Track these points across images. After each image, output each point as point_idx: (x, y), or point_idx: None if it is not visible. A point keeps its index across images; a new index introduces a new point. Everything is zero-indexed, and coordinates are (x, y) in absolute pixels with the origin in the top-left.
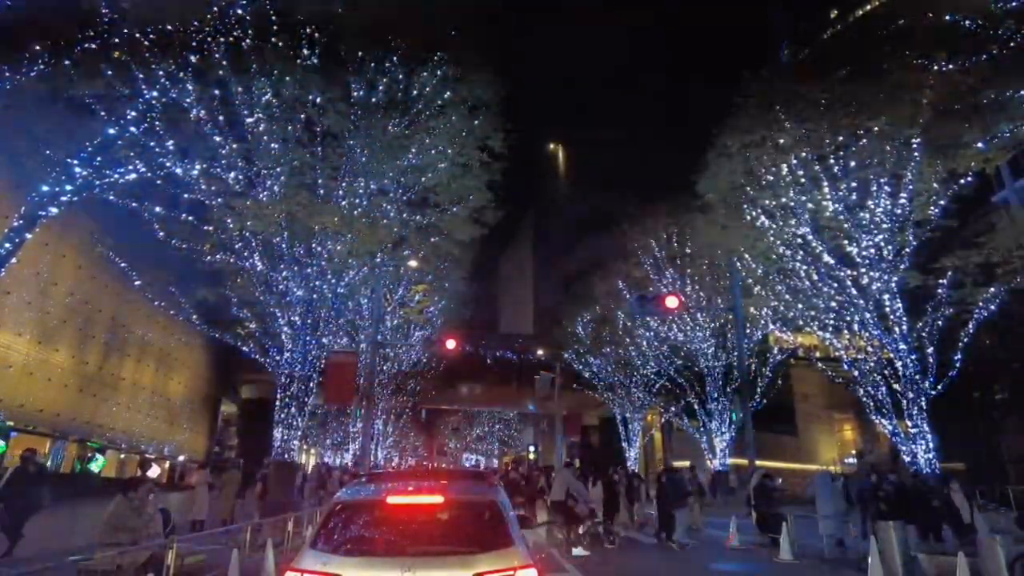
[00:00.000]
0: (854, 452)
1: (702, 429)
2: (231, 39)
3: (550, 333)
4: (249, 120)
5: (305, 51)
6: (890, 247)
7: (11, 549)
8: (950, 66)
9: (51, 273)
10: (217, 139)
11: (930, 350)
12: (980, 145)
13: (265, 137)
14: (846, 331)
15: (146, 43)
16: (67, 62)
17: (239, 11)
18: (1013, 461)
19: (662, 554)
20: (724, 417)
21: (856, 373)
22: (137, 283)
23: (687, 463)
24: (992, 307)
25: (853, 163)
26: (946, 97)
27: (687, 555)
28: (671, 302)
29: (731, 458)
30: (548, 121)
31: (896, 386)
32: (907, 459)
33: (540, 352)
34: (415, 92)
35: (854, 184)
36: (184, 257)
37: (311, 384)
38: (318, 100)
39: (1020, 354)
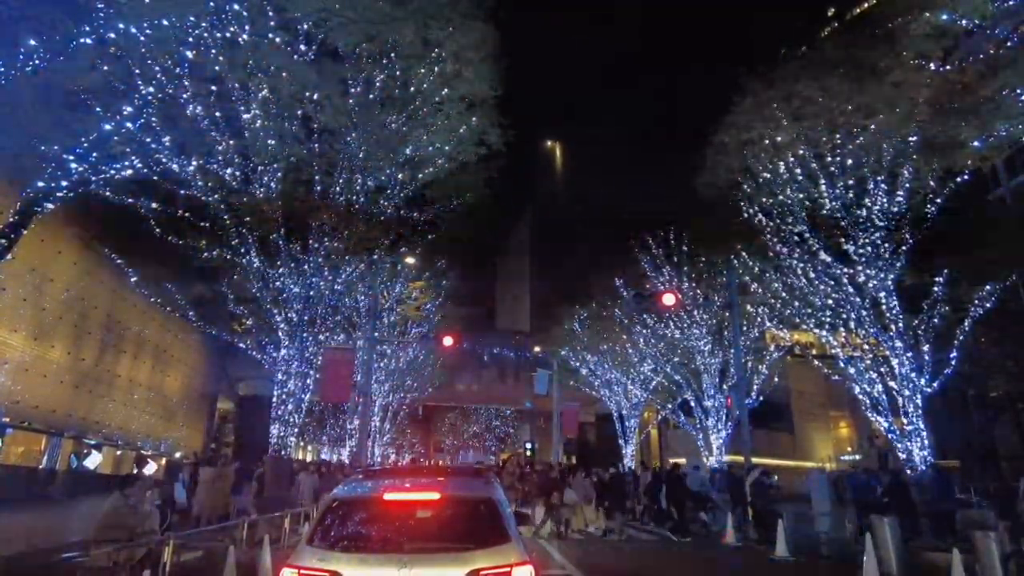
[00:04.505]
0: (850, 449)
1: (698, 426)
2: (228, 34)
3: (547, 330)
4: (246, 116)
5: (302, 47)
6: (886, 245)
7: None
8: (947, 66)
9: (47, 269)
10: (214, 135)
11: (926, 348)
12: (976, 143)
13: (262, 133)
14: (842, 328)
15: (142, 38)
16: (62, 57)
17: (236, 6)
18: (1007, 458)
19: (659, 550)
20: (720, 414)
21: (852, 370)
22: (133, 279)
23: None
24: (988, 305)
25: (850, 161)
26: (943, 96)
27: (685, 551)
28: (668, 299)
29: (727, 455)
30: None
31: (892, 383)
32: (902, 456)
33: (537, 349)
34: (412, 88)
35: (851, 182)
36: (181, 254)
37: (308, 381)
38: (315, 96)
39: (1015, 352)
